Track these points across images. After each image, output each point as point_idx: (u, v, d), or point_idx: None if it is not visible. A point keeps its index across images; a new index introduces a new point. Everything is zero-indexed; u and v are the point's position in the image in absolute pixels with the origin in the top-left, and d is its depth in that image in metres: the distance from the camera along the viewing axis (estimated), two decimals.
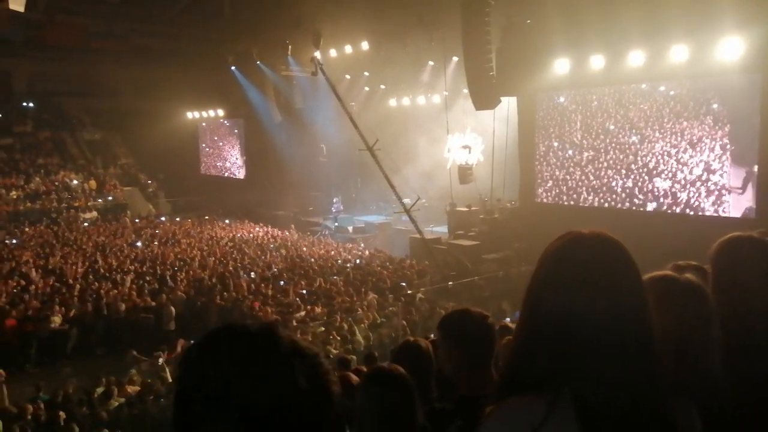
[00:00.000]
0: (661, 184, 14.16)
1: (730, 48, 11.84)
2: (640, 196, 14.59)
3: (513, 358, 1.26)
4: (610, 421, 1.12)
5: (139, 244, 19.60)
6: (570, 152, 16.29)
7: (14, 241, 20.03)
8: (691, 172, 13.58)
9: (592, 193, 15.77)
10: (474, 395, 2.03)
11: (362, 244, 20.41)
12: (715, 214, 13.10)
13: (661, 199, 14.17)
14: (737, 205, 12.82)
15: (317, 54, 20.07)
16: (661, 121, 14.11)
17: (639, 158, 14.62)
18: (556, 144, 16.69)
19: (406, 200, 18.30)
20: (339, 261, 17.15)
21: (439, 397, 2.67)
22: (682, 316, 1.47)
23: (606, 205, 15.37)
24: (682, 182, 13.75)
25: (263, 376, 0.78)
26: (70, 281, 14.21)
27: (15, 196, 25.10)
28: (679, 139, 13.79)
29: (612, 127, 15.20)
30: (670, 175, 14.00)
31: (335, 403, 0.83)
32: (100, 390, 8.75)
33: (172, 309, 12.44)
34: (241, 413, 0.75)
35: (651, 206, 14.39)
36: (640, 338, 1.16)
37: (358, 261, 17.16)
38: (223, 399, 0.76)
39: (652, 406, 1.15)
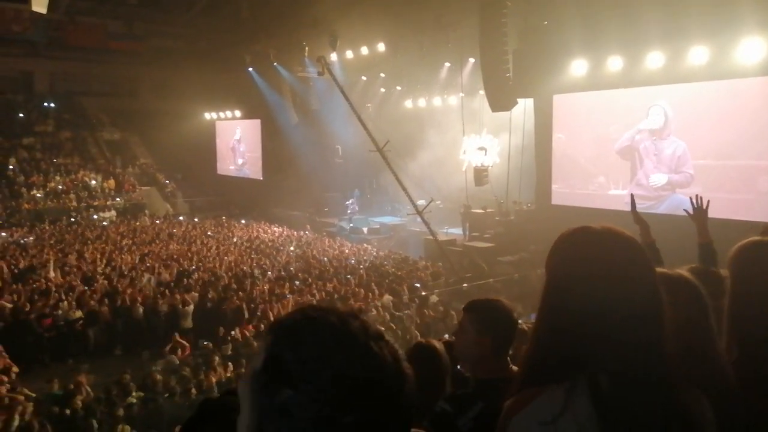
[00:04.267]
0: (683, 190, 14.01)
1: (752, 49, 11.65)
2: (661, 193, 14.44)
3: (532, 350, 1.31)
4: (625, 409, 1.16)
5: (155, 242, 19.78)
6: (586, 154, 16.13)
7: (33, 239, 20.33)
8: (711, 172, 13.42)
9: (608, 196, 15.59)
10: (491, 378, 2.12)
11: (376, 245, 20.42)
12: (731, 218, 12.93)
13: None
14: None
15: (333, 54, 20.12)
16: (678, 121, 13.95)
17: (657, 158, 14.45)
18: (572, 146, 16.53)
19: (421, 202, 18.25)
20: (352, 261, 17.19)
21: None
22: (687, 311, 1.52)
23: (622, 208, 15.19)
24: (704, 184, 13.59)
25: (355, 349, 0.87)
26: (88, 279, 14.38)
27: (36, 195, 25.50)
28: (697, 139, 13.64)
29: (627, 127, 15.03)
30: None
31: (411, 380, 0.92)
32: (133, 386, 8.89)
33: (189, 308, 12.54)
34: (333, 375, 0.84)
35: (664, 208, 14.19)
36: (652, 330, 1.20)
37: (372, 259, 17.17)
38: (317, 361, 0.85)
39: (664, 394, 1.19)
